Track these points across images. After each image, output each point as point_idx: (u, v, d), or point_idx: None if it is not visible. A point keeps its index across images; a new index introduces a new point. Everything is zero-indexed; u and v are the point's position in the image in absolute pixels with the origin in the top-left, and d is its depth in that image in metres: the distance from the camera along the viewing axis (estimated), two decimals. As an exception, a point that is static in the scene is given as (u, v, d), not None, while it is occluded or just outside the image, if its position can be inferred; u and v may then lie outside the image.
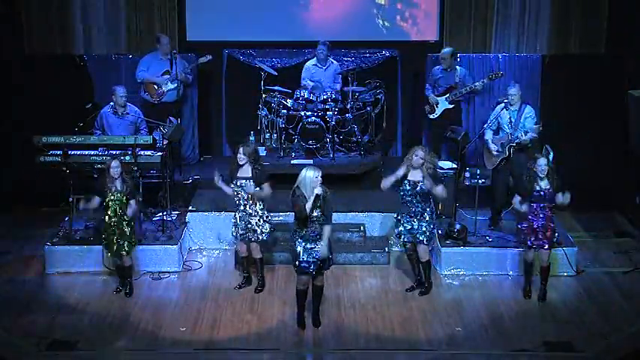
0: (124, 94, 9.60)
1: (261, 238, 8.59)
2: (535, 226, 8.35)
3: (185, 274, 9.17)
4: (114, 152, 9.08)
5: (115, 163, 8.30)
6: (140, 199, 8.84)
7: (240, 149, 8.48)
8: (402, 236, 8.55)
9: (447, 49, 10.42)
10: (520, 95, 9.38)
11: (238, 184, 8.43)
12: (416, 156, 8.31)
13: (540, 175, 8.25)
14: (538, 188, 8.28)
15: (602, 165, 10.80)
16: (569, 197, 8.32)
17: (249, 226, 8.52)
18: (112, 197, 8.29)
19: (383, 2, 11.07)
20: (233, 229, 8.68)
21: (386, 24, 11.15)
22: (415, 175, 8.35)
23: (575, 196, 8.13)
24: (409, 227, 8.44)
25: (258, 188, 8.41)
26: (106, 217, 8.34)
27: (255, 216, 8.52)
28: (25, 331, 7.85)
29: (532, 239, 8.39)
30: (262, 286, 8.75)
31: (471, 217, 9.47)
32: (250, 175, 8.44)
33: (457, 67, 10.46)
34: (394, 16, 11.13)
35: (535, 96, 10.78)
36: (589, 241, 9.98)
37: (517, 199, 8.44)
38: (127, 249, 8.43)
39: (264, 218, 8.58)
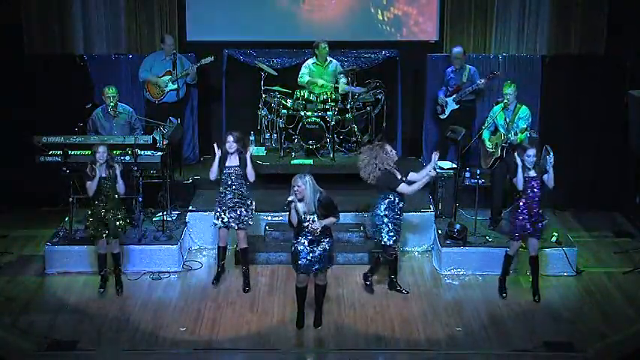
0: (113, 94, 9.56)
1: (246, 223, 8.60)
2: (533, 211, 8.25)
3: (185, 274, 9.17)
4: (114, 152, 9.10)
5: (102, 148, 8.28)
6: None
7: (230, 137, 8.41)
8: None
9: (457, 49, 10.40)
10: (516, 95, 9.35)
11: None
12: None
13: (528, 166, 8.20)
14: (527, 176, 8.21)
15: (602, 165, 10.80)
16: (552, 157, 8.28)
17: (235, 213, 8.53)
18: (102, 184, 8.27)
19: (383, 2, 11.06)
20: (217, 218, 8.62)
21: (386, 24, 11.14)
22: None
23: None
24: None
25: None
26: (94, 204, 8.33)
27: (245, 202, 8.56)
28: (25, 331, 7.85)
29: (525, 229, 8.29)
30: (248, 284, 8.72)
31: (471, 217, 9.47)
32: (239, 163, 8.44)
33: (467, 66, 10.45)
34: (394, 16, 11.11)
35: (535, 96, 10.77)
36: (589, 241, 9.99)
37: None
38: (122, 226, 8.42)
39: (249, 204, 8.62)
